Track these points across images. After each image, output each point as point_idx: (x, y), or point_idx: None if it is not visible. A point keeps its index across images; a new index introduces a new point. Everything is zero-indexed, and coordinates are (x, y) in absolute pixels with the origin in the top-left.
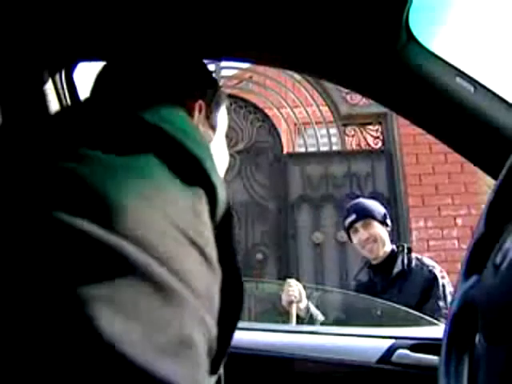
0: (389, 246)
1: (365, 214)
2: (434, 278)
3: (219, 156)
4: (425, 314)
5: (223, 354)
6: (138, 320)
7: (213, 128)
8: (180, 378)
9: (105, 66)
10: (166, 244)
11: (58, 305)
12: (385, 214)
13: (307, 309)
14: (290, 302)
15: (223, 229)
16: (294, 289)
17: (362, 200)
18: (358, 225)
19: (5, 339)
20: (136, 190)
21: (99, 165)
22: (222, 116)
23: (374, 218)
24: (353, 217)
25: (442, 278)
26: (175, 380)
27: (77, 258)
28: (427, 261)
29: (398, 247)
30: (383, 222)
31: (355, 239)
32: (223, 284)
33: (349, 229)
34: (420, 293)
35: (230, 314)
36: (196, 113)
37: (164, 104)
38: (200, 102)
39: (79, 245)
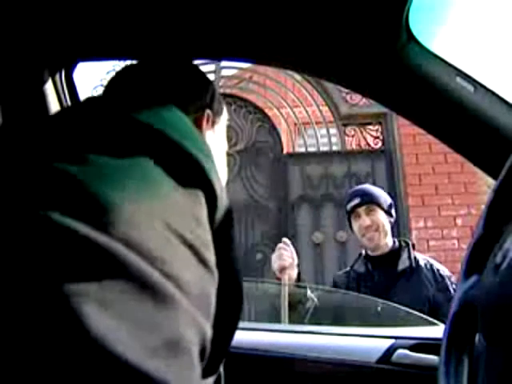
0: (390, 239)
1: (369, 200)
2: (445, 284)
3: (220, 161)
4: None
5: (221, 355)
6: (126, 319)
7: (217, 134)
8: (171, 379)
9: (116, 73)
10: (159, 246)
11: (44, 301)
12: (391, 204)
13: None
14: (283, 269)
15: (223, 232)
16: (289, 252)
17: (367, 185)
18: (361, 210)
19: None
20: (130, 191)
21: (94, 166)
22: (223, 122)
23: (378, 205)
24: (356, 201)
25: (452, 283)
26: (166, 381)
27: (65, 256)
28: (436, 264)
29: (399, 242)
30: (388, 212)
31: (356, 225)
32: (222, 287)
33: (350, 213)
34: (430, 297)
35: (228, 317)
36: (204, 123)
37: (163, 107)
38: (208, 111)
39: (68, 243)
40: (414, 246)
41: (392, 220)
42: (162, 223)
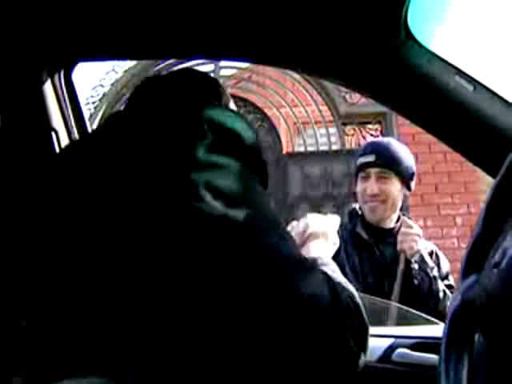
0: (397, 214)
1: (387, 162)
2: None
3: None
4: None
5: None
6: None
7: None
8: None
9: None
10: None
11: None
12: (412, 174)
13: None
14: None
15: None
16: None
17: (392, 141)
18: (373, 171)
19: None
20: (238, 181)
21: (211, 167)
22: None
23: (397, 173)
24: (370, 158)
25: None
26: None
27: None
28: (442, 257)
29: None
30: (405, 183)
31: (361, 187)
32: None
33: (359, 170)
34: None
35: None
36: None
37: (233, 112)
38: None
39: (222, 223)
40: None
41: (408, 193)
42: (259, 203)
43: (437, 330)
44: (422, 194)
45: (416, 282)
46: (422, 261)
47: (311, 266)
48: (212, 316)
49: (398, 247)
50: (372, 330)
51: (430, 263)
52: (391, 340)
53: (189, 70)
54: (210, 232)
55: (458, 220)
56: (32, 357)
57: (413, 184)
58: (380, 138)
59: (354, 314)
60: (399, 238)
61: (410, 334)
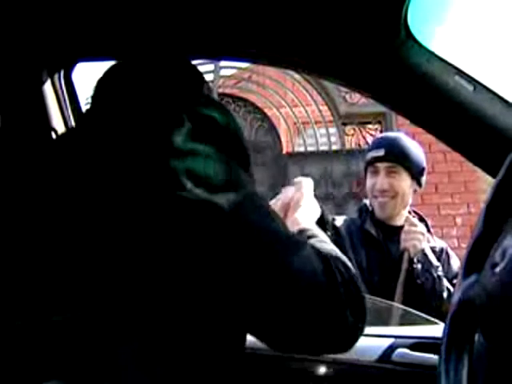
0: (407, 210)
1: (396, 157)
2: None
3: None
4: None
5: None
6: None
7: None
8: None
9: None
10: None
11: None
12: (422, 169)
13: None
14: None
15: None
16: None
17: (402, 136)
18: (381, 166)
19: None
20: (220, 167)
21: (193, 155)
22: None
23: (407, 168)
24: (379, 152)
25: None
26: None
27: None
28: (452, 256)
29: (415, 214)
30: (416, 179)
31: (369, 182)
32: None
33: (368, 165)
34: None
35: None
36: None
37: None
38: None
39: (201, 206)
40: (427, 225)
41: (418, 189)
42: (243, 188)
43: (437, 329)
44: (422, 194)
45: (419, 281)
46: (425, 260)
47: (300, 240)
48: (207, 305)
49: (402, 246)
50: (372, 329)
51: (435, 262)
52: (391, 340)
53: (166, 56)
54: (196, 219)
55: (458, 220)
56: (29, 357)
57: (423, 180)
58: (390, 133)
59: (348, 283)
60: (402, 236)
61: (409, 334)
